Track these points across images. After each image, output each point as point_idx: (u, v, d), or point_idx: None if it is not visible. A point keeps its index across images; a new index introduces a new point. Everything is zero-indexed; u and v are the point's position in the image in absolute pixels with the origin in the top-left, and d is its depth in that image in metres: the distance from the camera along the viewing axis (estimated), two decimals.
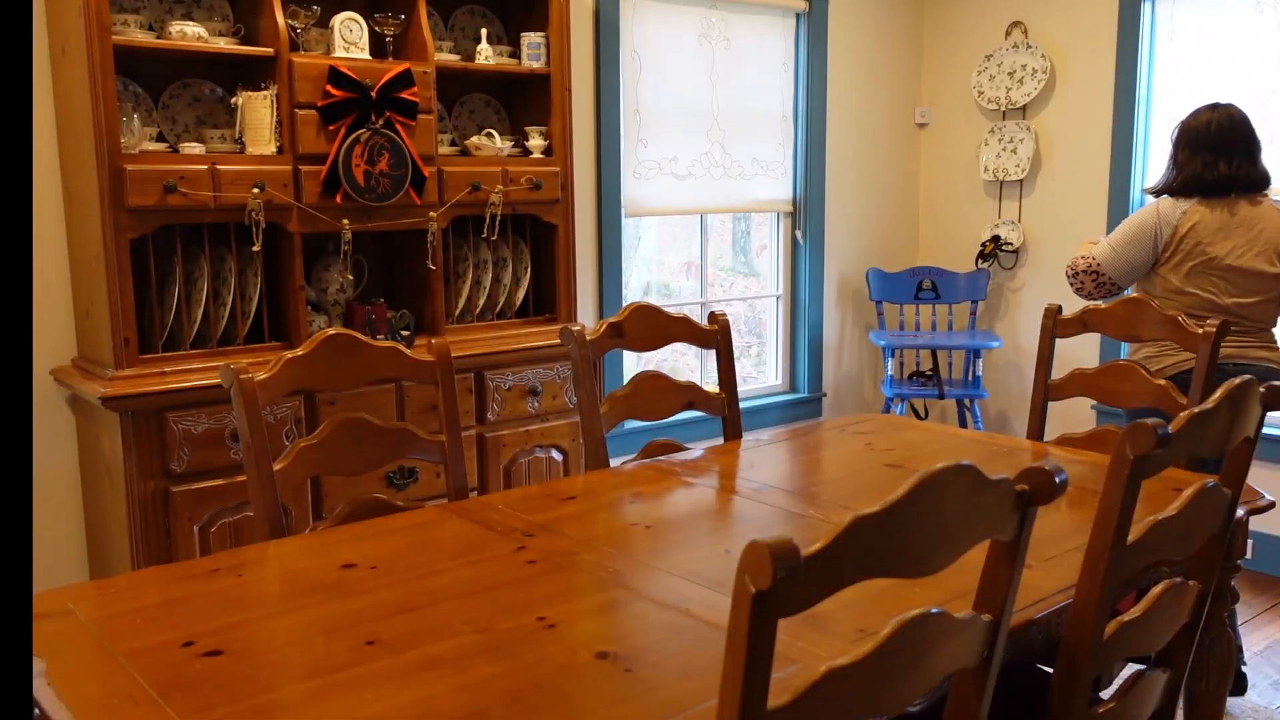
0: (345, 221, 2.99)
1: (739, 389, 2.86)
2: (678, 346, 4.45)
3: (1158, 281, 3.02)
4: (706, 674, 1.36)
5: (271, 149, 2.90)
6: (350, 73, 2.93)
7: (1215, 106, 3.01)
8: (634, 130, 4.13)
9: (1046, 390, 2.81)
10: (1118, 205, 4.45)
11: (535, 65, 3.41)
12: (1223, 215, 2.93)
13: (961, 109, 4.98)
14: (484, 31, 3.40)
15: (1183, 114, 3.99)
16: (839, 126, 4.81)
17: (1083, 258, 3.12)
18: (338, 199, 2.96)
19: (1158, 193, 3.07)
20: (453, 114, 3.55)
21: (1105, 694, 1.79)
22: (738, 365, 3.31)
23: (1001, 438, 2.70)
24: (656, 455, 2.54)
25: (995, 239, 4.24)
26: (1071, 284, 3.20)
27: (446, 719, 1.25)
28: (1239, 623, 3.61)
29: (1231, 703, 2.99)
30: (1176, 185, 2.99)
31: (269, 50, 2.88)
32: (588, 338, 2.51)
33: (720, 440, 2.86)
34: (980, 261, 4.06)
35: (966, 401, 4.66)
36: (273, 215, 2.89)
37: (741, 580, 0.95)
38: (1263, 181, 2.97)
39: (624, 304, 3.67)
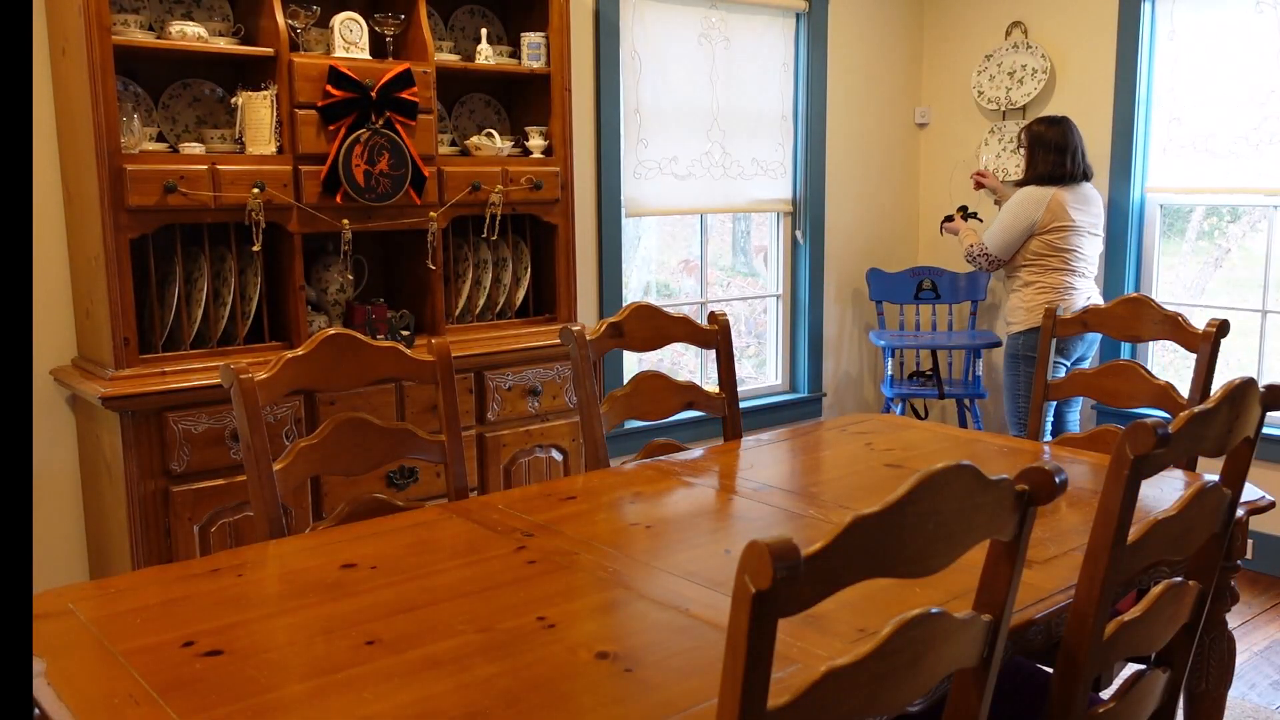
0: (345, 221, 2.99)
1: (739, 389, 2.86)
2: (678, 346, 4.45)
3: (1044, 245, 3.98)
4: (706, 674, 1.36)
5: (271, 149, 2.90)
6: (350, 73, 2.93)
7: (1056, 121, 4.05)
8: (634, 130, 4.13)
9: (1046, 390, 2.81)
10: (1118, 205, 4.45)
11: (535, 65, 3.41)
12: (1075, 193, 4.00)
13: (961, 109, 4.98)
14: (484, 31, 3.40)
15: (1183, 114, 4.28)
16: (839, 126, 4.81)
17: (979, 244, 4.11)
18: (338, 199, 2.96)
19: (1027, 181, 4.07)
20: (453, 114, 3.55)
21: (1105, 694, 1.79)
22: (738, 365, 3.31)
23: (1001, 438, 2.70)
24: (656, 455, 2.54)
25: (963, 208, 4.48)
26: (973, 263, 4.15)
27: (446, 719, 1.25)
28: (1239, 623, 3.61)
29: (1231, 703, 2.98)
30: (1045, 175, 4.01)
31: (269, 50, 2.88)
32: (588, 338, 2.51)
33: (720, 440, 2.86)
34: (945, 222, 4.49)
35: (966, 401, 4.66)
36: (273, 215, 2.89)
37: (741, 580, 0.95)
38: (1090, 172, 4.08)
39: (624, 304, 3.67)
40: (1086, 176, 4.03)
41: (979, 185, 4.51)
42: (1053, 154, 4.00)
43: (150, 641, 1.46)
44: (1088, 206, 4.02)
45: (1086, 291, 4.03)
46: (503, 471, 3.31)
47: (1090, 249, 4.03)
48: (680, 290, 4.65)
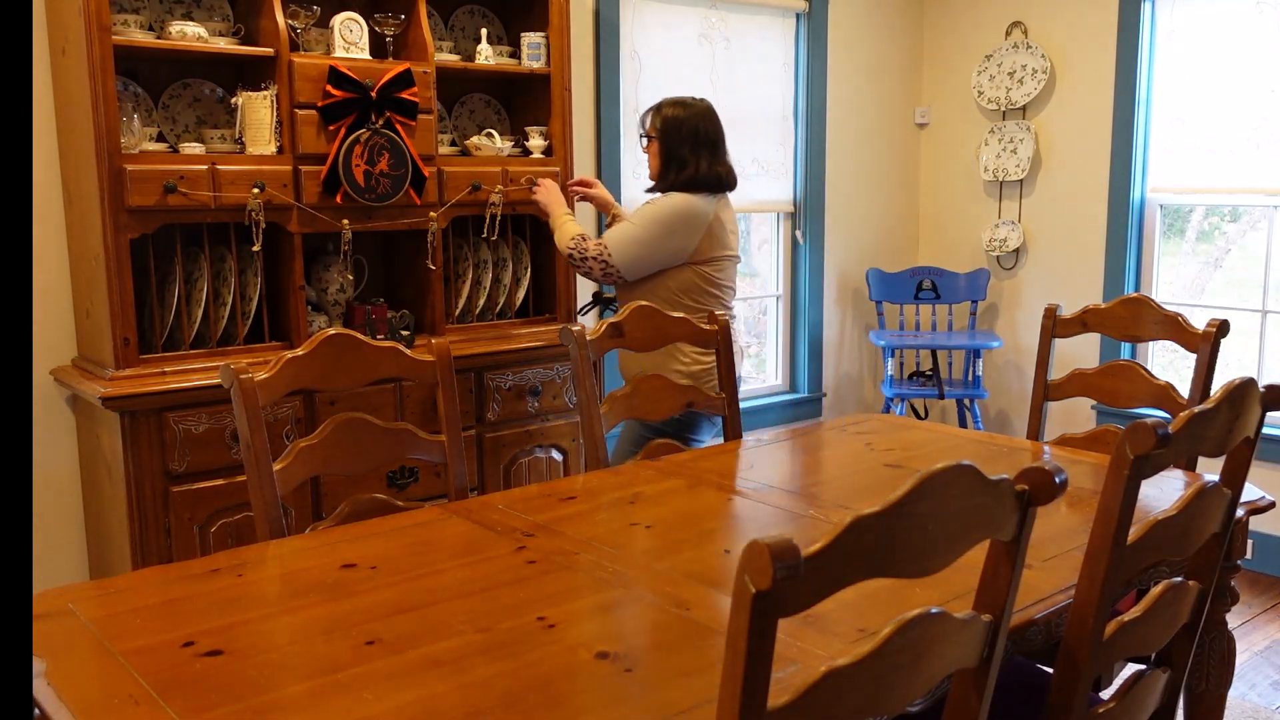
0: (345, 222, 2.99)
1: (739, 389, 2.86)
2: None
3: (698, 278, 2.99)
4: (706, 674, 1.36)
5: (271, 149, 2.90)
6: (350, 73, 2.93)
7: (693, 102, 3.05)
8: (634, 130, 4.12)
9: (1046, 390, 2.81)
10: (1118, 205, 4.45)
11: (535, 65, 3.41)
12: (725, 209, 3.06)
13: (961, 109, 4.98)
14: (484, 31, 3.40)
15: (1183, 114, 3.98)
16: (839, 126, 4.81)
17: (597, 245, 2.99)
18: (338, 199, 2.96)
19: (678, 188, 2.99)
20: (453, 114, 3.55)
21: (1105, 694, 1.79)
22: (738, 365, 3.30)
23: (1001, 438, 2.70)
24: (656, 455, 2.54)
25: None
26: (578, 268, 3.05)
27: (446, 719, 1.25)
28: (1239, 623, 3.61)
29: (1231, 703, 2.98)
30: (685, 180, 2.99)
31: (269, 50, 2.88)
32: (588, 338, 2.51)
33: (720, 440, 2.86)
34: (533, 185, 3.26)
35: (966, 401, 4.66)
36: (273, 215, 2.89)
37: (741, 580, 0.95)
38: (733, 179, 3.10)
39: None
40: (726, 184, 3.08)
41: (582, 197, 3.38)
42: (705, 150, 3.02)
43: (150, 641, 1.46)
44: (736, 227, 3.14)
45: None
46: (503, 471, 3.31)
47: (735, 283, 3.17)
48: None
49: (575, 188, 3.34)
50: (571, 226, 3.08)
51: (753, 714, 0.99)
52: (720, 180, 3.03)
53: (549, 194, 3.22)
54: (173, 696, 1.30)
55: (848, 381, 5.06)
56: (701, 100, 3.09)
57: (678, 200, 2.95)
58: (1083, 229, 4.60)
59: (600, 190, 3.36)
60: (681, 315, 2.73)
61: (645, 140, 3.12)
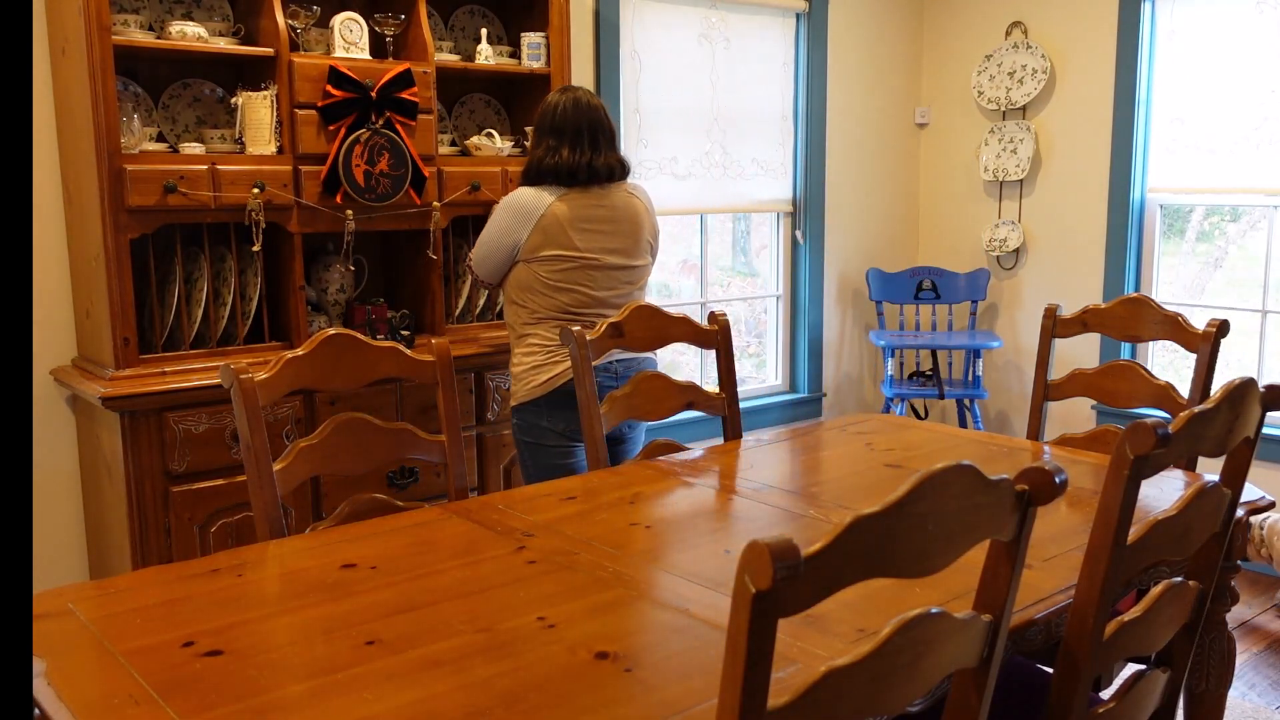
0: (349, 211, 2.99)
1: (739, 389, 2.86)
2: (678, 346, 4.45)
3: (532, 278, 2.77)
4: (706, 674, 1.36)
5: (271, 149, 2.90)
6: (350, 73, 2.93)
7: (567, 89, 2.85)
8: (634, 130, 4.13)
9: (1046, 390, 2.81)
10: (1118, 205, 4.45)
11: (535, 65, 3.41)
12: (584, 207, 2.75)
13: (961, 109, 4.98)
14: (484, 31, 3.40)
15: (1183, 114, 3.96)
16: (839, 126, 4.81)
17: (469, 256, 2.95)
18: (338, 199, 2.96)
19: (528, 179, 2.81)
20: (453, 114, 3.55)
21: (1105, 694, 1.79)
22: (738, 365, 3.30)
23: (1001, 438, 2.70)
24: (656, 455, 2.54)
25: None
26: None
27: (446, 719, 1.25)
28: (1239, 623, 3.61)
29: (1231, 703, 2.98)
30: (548, 171, 2.75)
31: (269, 50, 2.88)
32: (588, 338, 2.51)
33: (720, 440, 2.86)
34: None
35: (966, 401, 4.66)
36: (273, 215, 2.89)
37: (741, 580, 0.95)
38: (620, 169, 2.81)
39: None
40: (611, 175, 2.79)
41: None
42: (567, 138, 2.74)
43: (150, 641, 1.46)
44: (607, 226, 2.78)
45: (613, 356, 2.79)
46: (503, 471, 3.31)
47: (611, 289, 2.82)
48: (680, 290, 4.65)
49: None
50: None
51: (753, 714, 0.99)
52: (593, 173, 2.74)
53: None
54: (173, 696, 1.30)
55: (848, 381, 5.06)
56: (582, 89, 2.84)
57: (508, 197, 2.78)
58: (1083, 229, 4.60)
59: None
60: (681, 315, 2.73)
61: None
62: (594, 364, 2.55)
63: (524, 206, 2.73)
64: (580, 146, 2.75)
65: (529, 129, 3.44)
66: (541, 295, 2.77)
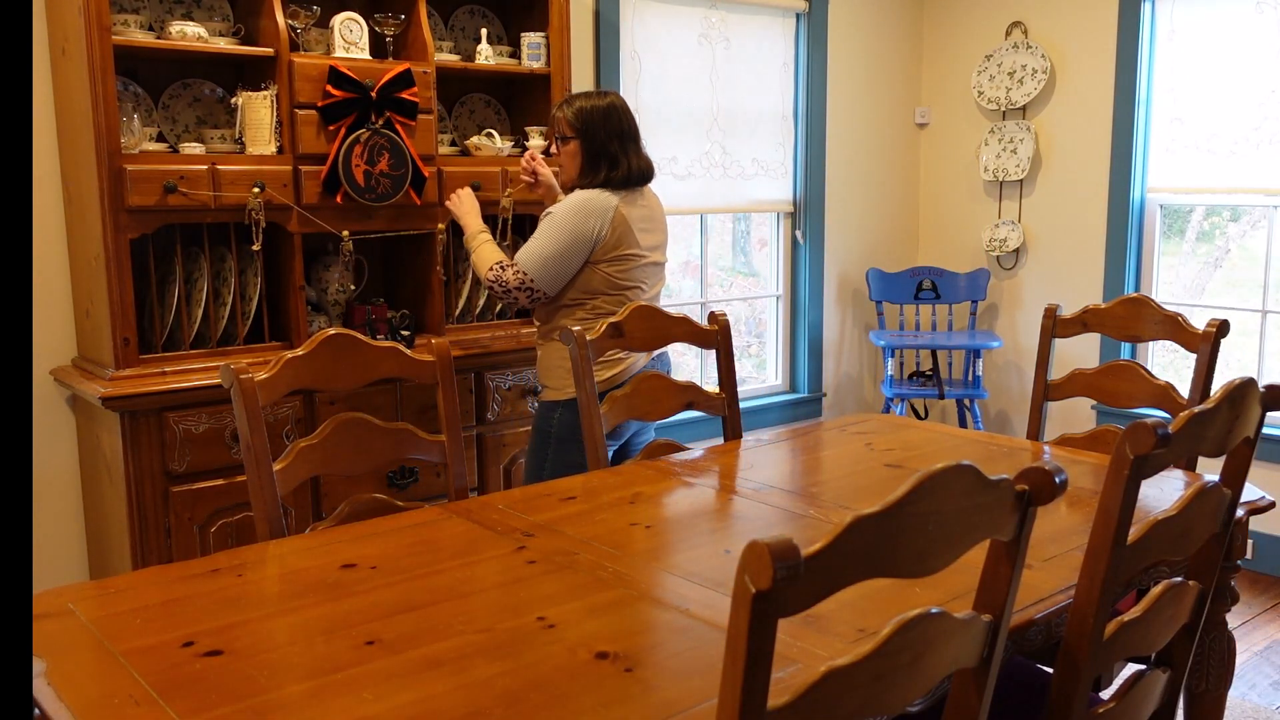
0: (346, 233, 2.99)
1: (739, 389, 2.85)
2: (678, 346, 4.45)
3: (600, 279, 2.80)
4: (706, 674, 1.36)
5: (271, 149, 2.90)
6: (350, 73, 2.93)
7: (606, 93, 2.89)
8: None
9: (1046, 390, 2.81)
10: (1118, 205, 4.45)
11: (535, 65, 3.41)
12: (636, 206, 2.84)
13: (961, 109, 4.98)
14: (484, 31, 3.40)
15: (1183, 114, 3.94)
16: (839, 126, 4.81)
17: (515, 272, 2.77)
18: (338, 199, 2.96)
19: (588, 185, 2.81)
20: (453, 114, 3.55)
21: (1105, 694, 1.79)
22: (738, 365, 3.30)
23: (1001, 438, 2.70)
24: (656, 455, 2.54)
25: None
26: (501, 299, 2.91)
27: (446, 719, 1.25)
28: (1239, 623, 3.61)
29: (1231, 703, 2.98)
30: (618, 180, 2.81)
31: (269, 50, 2.88)
32: (588, 338, 2.51)
33: (720, 440, 2.86)
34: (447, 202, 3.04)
35: (966, 401, 4.66)
36: (273, 215, 2.89)
37: (741, 580, 0.95)
38: (653, 170, 2.93)
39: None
40: (649, 177, 2.91)
41: (534, 182, 3.03)
42: (631, 143, 2.85)
43: (150, 641, 1.46)
44: (653, 225, 2.91)
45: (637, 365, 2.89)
46: (503, 471, 3.31)
47: (655, 286, 2.96)
48: (680, 290, 4.65)
49: (528, 164, 3.00)
50: (490, 251, 2.88)
51: (753, 714, 0.99)
52: (645, 175, 2.88)
53: (462, 204, 3.00)
54: (173, 696, 1.30)
55: (848, 381, 5.06)
56: (611, 92, 2.92)
57: (574, 199, 2.78)
58: (1083, 229, 4.60)
59: (547, 172, 3.02)
60: (681, 315, 2.73)
61: (560, 142, 2.86)
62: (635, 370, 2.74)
63: (597, 208, 2.76)
64: (638, 150, 2.86)
65: (530, 129, 3.45)
66: (607, 295, 2.82)
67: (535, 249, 2.76)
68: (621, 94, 4.02)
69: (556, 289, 2.81)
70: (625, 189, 2.82)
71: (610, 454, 2.76)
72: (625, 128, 2.84)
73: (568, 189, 2.89)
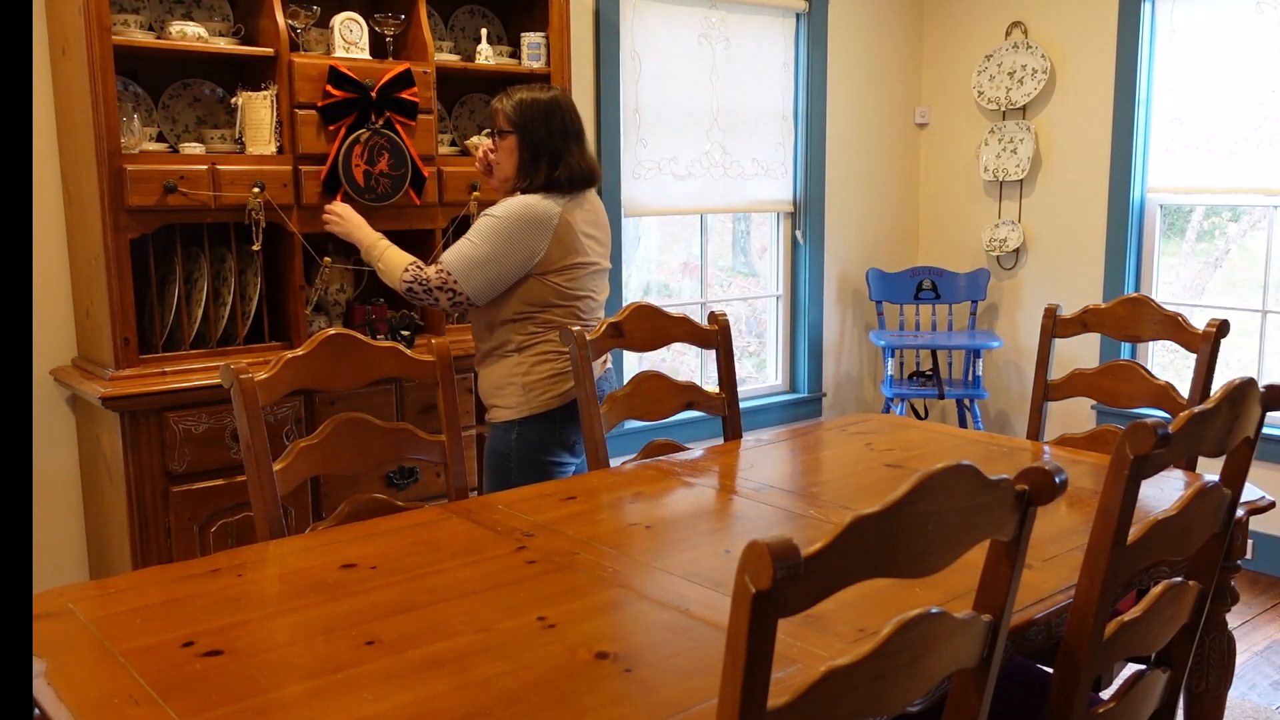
0: (327, 260, 2.99)
1: (739, 389, 2.86)
2: (678, 346, 4.45)
3: (548, 290, 2.62)
4: (706, 674, 1.36)
5: (271, 149, 2.90)
6: (350, 73, 2.93)
7: (550, 87, 2.70)
8: (634, 130, 4.13)
9: (1046, 390, 2.81)
10: (1118, 205, 4.45)
11: (535, 65, 3.41)
12: (582, 211, 2.65)
13: (961, 109, 4.98)
14: (484, 31, 3.40)
15: (1183, 114, 3.92)
16: (839, 126, 4.81)
17: (439, 271, 2.58)
18: (338, 199, 2.96)
19: (528, 190, 2.62)
20: (453, 114, 3.55)
21: (1105, 694, 1.79)
22: (738, 365, 3.30)
23: (1001, 438, 2.70)
24: (656, 455, 2.54)
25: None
26: (420, 300, 2.64)
27: (446, 719, 1.25)
28: (1239, 623, 3.61)
29: (1231, 703, 2.98)
30: (563, 180, 2.61)
31: (269, 50, 2.88)
32: (588, 338, 2.51)
33: (720, 440, 2.86)
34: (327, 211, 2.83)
35: (966, 401, 4.66)
36: (273, 215, 2.89)
37: (741, 580, 0.95)
38: (597, 174, 2.73)
39: (624, 304, 3.66)
40: (593, 180, 2.71)
41: (486, 168, 2.79)
42: (573, 141, 2.65)
43: (150, 641, 1.46)
44: (599, 230, 2.73)
45: (600, 355, 2.68)
46: None
47: (602, 293, 2.78)
48: (680, 290, 4.65)
49: (484, 158, 2.77)
50: (398, 254, 2.65)
51: (753, 714, 0.99)
52: (592, 175, 2.68)
53: (349, 221, 2.78)
54: (173, 696, 1.30)
55: (848, 381, 5.06)
56: (557, 87, 2.75)
57: (516, 205, 2.56)
58: (1083, 229, 4.60)
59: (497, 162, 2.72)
60: (681, 315, 2.73)
61: (497, 136, 2.66)
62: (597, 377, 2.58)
63: (539, 218, 2.56)
64: (582, 150, 2.67)
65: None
66: (558, 306, 2.64)
67: (466, 251, 2.56)
68: (621, 94, 4.03)
69: (483, 298, 2.60)
70: (568, 192, 2.62)
71: (572, 470, 2.73)
72: (568, 125, 2.64)
73: (505, 188, 2.69)
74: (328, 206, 2.85)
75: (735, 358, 2.85)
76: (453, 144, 3.38)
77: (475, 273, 2.56)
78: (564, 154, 2.61)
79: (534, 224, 2.55)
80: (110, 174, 2.65)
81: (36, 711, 1.31)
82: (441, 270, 2.58)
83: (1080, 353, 4.43)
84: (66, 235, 2.97)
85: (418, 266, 2.62)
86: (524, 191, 2.62)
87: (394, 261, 2.64)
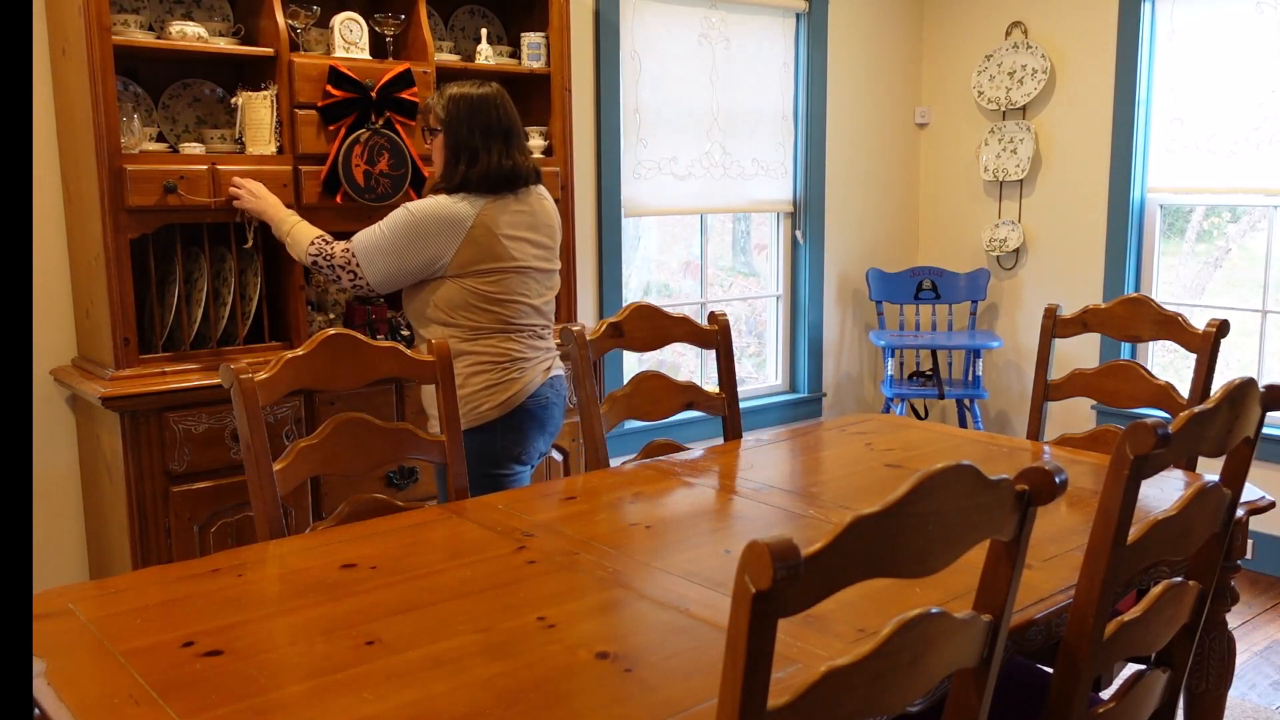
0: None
1: (739, 389, 2.86)
2: (678, 346, 4.45)
3: (467, 294, 2.55)
4: (706, 674, 1.36)
5: (271, 149, 2.90)
6: (350, 73, 2.93)
7: (485, 83, 2.64)
8: (634, 130, 4.13)
9: (1046, 390, 2.81)
10: (1118, 205, 4.45)
11: (535, 65, 3.41)
12: (509, 213, 2.58)
13: (961, 109, 4.98)
14: (484, 31, 3.40)
15: (1183, 114, 3.92)
16: (839, 126, 4.81)
17: (344, 249, 2.57)
18: (337, 199, 2.96)
19: (467, 187, 2.55)
20: None
21: (1105, 694, 1.79)
22: (738, 365, 3.30)
23: (1001, 438, 2.70)
24: (656, 455, 2.54)
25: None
26: (324, 275, 2.62)
27: (446, 719, 1.25)
28: (1239, 623, 3.61)
29: (1231, 703, 2.98)
30: (475, 179, 2.54)
31: (269, 50, 2.88)
32: (588, 338, 2.51)
33: (720, 440, 2.86)
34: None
35: (966, 401, 4.66)
36: None
37: (741, 580, 0.95)
38: (536, 174, 2.67)
39: (624, 304, 3.66)
40: (533, 178, 2.66)
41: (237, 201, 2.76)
42: (497, 140, 2.58)
43: (150, 641, 1.46)
44: (535, 230, 2.64)
45: (545, 361, 2.68)
46: None
47: (543, 295, 2.68)
48: (680, 290, 4.65)
49: (232, 190, 2.76)
50: (306, 229, 2.64)
51: (753, 714, 0.99)
52: (516, 175, 2.59)
53: (262, 198, 2.73)
54: (173, 696, 1.30)
55: (848, 381, 5.06)
56: (492, 84, 2.65)
57: (429, 205, 2.52)
58: (1083, 229, 4.60)
59: (252, 188, 2.75)
60: (681, 315, 2.73)
61: (429, 134, 2.63)
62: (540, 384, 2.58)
63: (449, 218, 2.50)
64: (508, 149, 2.58)
65: (529, 129, 3.44)
66: (481, 310, 2.56)
67: (374, 236, 2.54)
68: (621, 94, 4.03)
69: (383, 288, 2.57)
70: (490, 193, 2.55)
71: (525, 476, 2.69)
72: (495, 121, 2.56)
73: (434, 187, 2.62)
74: (235, 179, 2.76)
75: (735, 357, 2.85)
76: None
77: (377, 260, 2.54)
78: (481, 153, 2.54)
79: (441, 225, 2.51)
80: (110, 174, 2.65)
81: (36, 711, 1.31)
82: (348, 250, 2.57)
83: (1080, 353, 4.43)
84: (66, 235, 2.97)
85: (324, 240, 2.61)
86: (446, 192, 2.56)
87: (302, 234, 2.64)
